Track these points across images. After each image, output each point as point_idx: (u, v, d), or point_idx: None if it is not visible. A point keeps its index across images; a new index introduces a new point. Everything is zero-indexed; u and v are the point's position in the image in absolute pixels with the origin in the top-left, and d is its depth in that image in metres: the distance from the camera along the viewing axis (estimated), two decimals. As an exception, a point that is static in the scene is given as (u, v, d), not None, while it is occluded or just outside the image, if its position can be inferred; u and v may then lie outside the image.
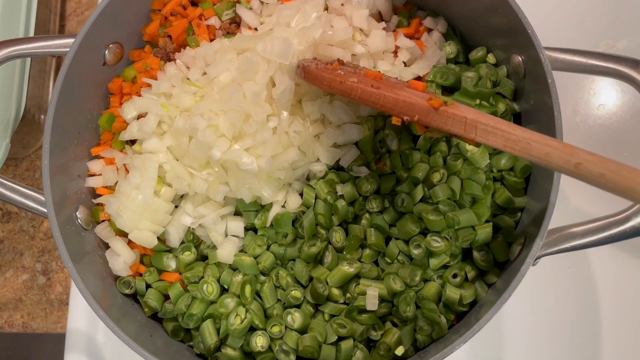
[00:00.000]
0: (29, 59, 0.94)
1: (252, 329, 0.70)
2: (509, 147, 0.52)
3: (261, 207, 0.74)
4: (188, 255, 0.74)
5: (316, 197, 0.72)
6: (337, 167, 0.75)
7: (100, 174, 0.77)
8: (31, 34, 0.94)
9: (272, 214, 0.72)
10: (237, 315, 0.69)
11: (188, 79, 0.75)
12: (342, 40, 0.73)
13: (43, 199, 0.69)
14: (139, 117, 0.76)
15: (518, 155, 0.51)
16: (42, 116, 1.00)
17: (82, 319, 0.90)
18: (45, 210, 0.68)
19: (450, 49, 0.79)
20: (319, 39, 0.70)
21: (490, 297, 0.68)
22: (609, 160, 0.46)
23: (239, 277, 0.71)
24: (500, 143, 0.52)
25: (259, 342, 0.69)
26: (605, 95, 0.95)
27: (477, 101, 0.73)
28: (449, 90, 0.76)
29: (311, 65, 0.66)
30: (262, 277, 0.73)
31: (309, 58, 0.70)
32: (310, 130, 0.72)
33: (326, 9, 0.79)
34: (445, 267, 0.70)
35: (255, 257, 0.72)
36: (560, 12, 0.98)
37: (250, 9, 0.80)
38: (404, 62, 0.78)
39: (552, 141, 0.49)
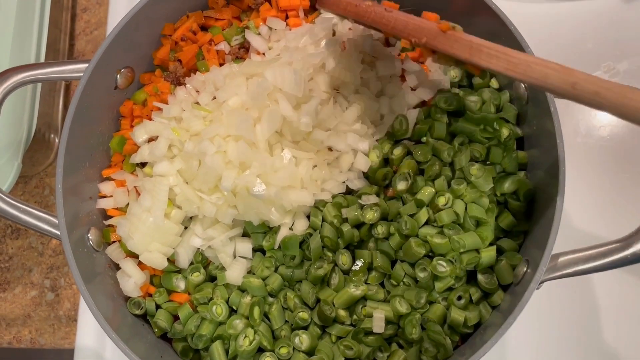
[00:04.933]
0: (40, 81, 0.96)
1: (261, 350, 0.71)
2: (511, 70, 0.55)
3: (269, 229, 0.75)
4: (197, 276, 0.75)
5: (323, 220, 0.74)
6: (345, 191, 0.76)
7: (111, 196, 0.78)
8: (42, 56, 0.96)
9: (279, 237, 0.73)
10: (245, 336, 0.70)
11: (198, 103, 0.77)
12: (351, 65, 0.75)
13: (56, 221, 0.69)
14: (150, 140, 0.77)
15: (518, 77, 0.54)
16: (52, 135, 1.02)
17: (90, 335, 0.91)
18: (58, 232, 0.69)
19: (455, 73, 0.81)
20: (331, 70, 0.72)
21: (495, 318, 0.69)
22: (604, 80, 0.49)
23: (247, 299, 0.73)
24: (503, 66, 0.56)
25: (268, 363, 0.70)
26: (605, 116, 0.96)
27: (481, 126, 0.74)
28: (452, 114, 0.77)
29: None
30: (270, 299, 0.74)
31: None
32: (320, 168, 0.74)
33: (334, 33, 0.81)
34: (450, 289, 0.71)
35: (264, 279, 0.73)
36: (562, 34, 0.99)
37: (259, 34, 0.81)
38: (411, 87, 0.80)
39: (551, 63, 0.52)
